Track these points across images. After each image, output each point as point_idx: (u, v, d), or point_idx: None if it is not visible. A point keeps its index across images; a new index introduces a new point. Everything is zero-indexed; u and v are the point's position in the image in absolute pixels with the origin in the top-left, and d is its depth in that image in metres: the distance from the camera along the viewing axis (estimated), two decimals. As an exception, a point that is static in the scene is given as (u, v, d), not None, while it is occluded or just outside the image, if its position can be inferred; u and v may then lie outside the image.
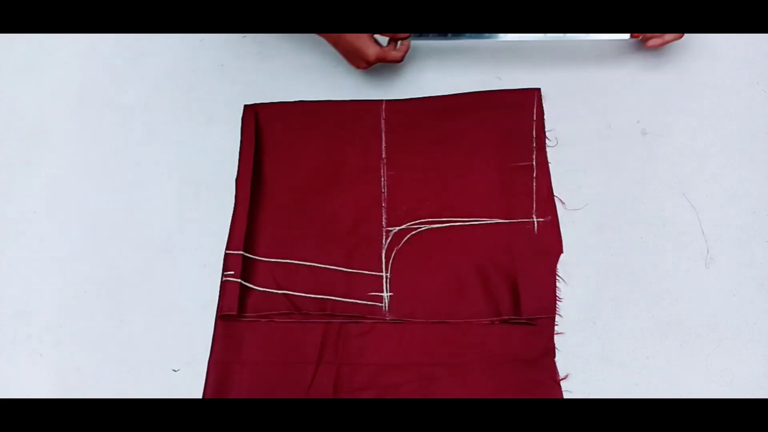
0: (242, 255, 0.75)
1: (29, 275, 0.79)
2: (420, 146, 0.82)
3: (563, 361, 0.70)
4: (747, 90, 0.82)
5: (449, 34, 0.81)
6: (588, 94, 0.83)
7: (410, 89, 0.85)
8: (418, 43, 0.83)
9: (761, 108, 0.81)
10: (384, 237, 0.78)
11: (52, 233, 0.81)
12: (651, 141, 0.80)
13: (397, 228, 0.78)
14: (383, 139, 0.83)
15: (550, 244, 0.75)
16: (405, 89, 0.85)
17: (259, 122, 0.84)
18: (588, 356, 0.70)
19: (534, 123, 0.81)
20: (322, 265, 0.76)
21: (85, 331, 0.75)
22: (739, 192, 0.77)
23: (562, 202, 0.78)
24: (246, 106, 0.85)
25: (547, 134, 0.81)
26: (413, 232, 0.78)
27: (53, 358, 0.75)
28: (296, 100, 0.85)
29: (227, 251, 0.77)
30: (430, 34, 0.81)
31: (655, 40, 0.78)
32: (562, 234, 0.76)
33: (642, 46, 0.81)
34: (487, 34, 0.80)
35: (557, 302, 0.72)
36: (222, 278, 0.75)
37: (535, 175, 0.79)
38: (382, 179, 0.81)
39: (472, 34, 0.80)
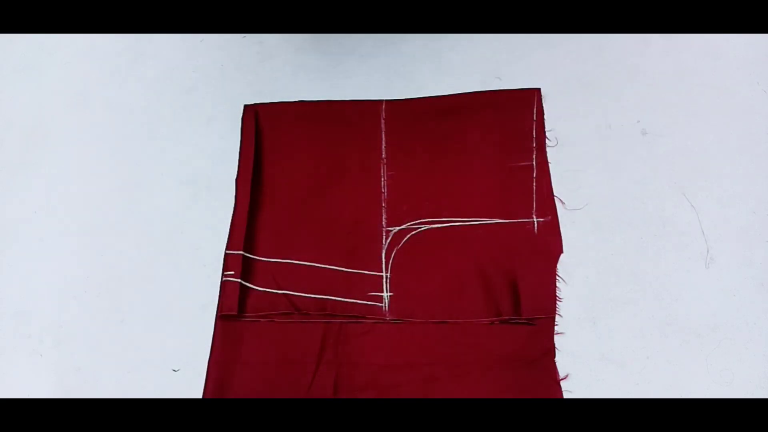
0: (242, 255, 0.75)
1: (29, 275, 0.79)
2: (420, 146, 0.82)
3: (563, 361, 0.70)
4: (747, 90, 0.82)
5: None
6: (588, 94, 0.83)
7: (410, 89, 0.85)
8: (417, 43, 0.83)
9: (761, 108, 0.81)
10: (384, 237, 0.78)
11: (52, 233, 0.81)
12: (651, 141, 0.80)
13: (397, 228, 0.78)
14: (383, 139, 0.83)
15: (550, 244, 0.75)
16: (405, 89, 0.85)
17: (259, 122, 0.84)
18: (588, 356, 0.70)
19: (534, 123, 0.81)
20: (322, 265, 0.76)
21: (85, 331, 0.75)
22: (739, 192, 0.77)
23: (562, 202, 0.78)
24: (246, 106, 0.85)
25: (547, 134, 0.81)
26: (413, 232, 0.78)
27: (53, 358, 0.74)
28: (296, 100, 0.85)
29: (227, 251, 0.77)
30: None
31: None
32: (562, 234, 0.75)
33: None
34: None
35: (557, 302, 0.72)
36: (222, 278, 0.75)
37: (535, 175, 0.79)
38: (382, 179, 0.81)
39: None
